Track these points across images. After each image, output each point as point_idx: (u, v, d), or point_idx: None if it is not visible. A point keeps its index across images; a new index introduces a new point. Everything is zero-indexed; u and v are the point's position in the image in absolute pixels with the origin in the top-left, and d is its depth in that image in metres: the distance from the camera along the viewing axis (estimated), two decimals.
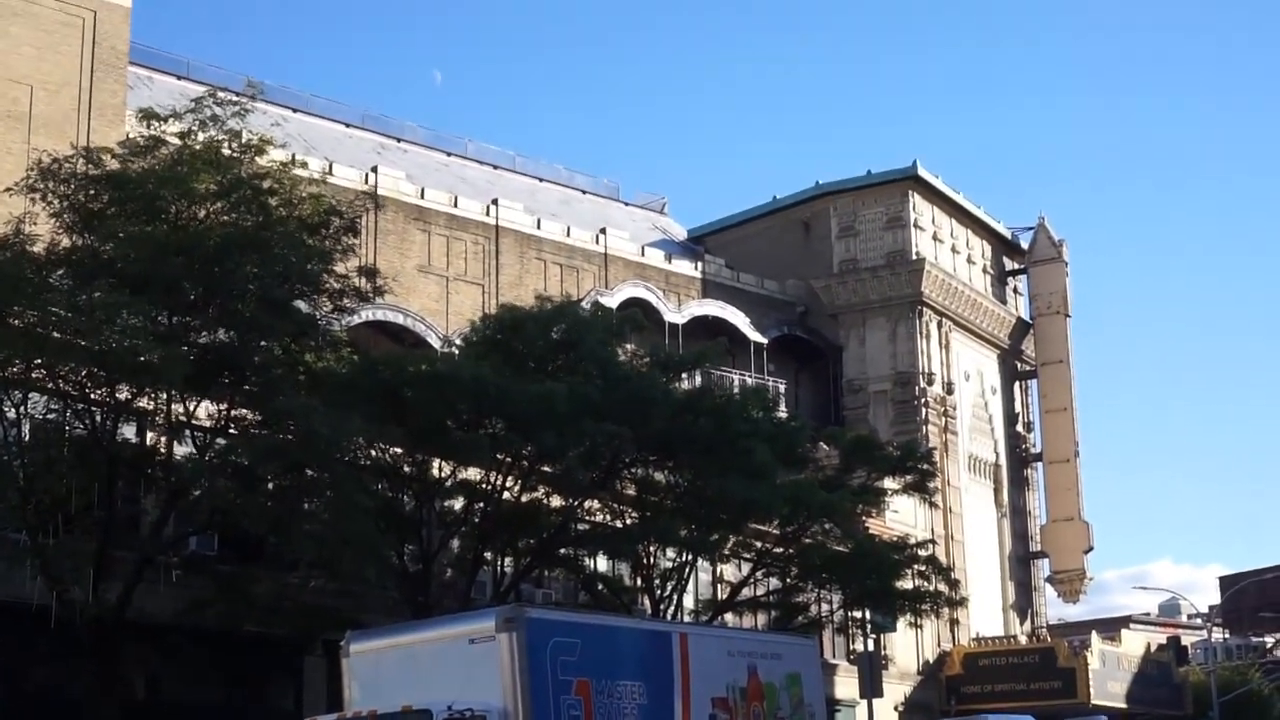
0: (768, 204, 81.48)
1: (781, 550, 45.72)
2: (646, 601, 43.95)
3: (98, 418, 31.56)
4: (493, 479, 37.66)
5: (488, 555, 39.58)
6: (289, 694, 39.78)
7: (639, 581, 44.83)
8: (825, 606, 49.24)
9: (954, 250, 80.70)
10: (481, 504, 38.07)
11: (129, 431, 33.69)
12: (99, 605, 30.81)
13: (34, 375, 30.30)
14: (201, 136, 33.32)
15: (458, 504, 38.90)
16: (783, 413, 46.98)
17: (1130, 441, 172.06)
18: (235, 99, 34.18)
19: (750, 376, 65.90)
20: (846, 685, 54.38)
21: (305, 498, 32.22)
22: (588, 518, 41.73)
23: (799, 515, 43.48)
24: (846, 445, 48.70)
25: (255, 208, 32.22)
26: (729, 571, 49.21)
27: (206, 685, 38.66)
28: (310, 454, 29.66)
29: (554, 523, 39.50)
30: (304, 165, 36.79)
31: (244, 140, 33.75)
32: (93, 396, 31.23)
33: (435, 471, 37.84)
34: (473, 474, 38.11)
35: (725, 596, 47.43)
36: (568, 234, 69.19)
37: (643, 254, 72.68)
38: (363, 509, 31.98)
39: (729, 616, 47.00)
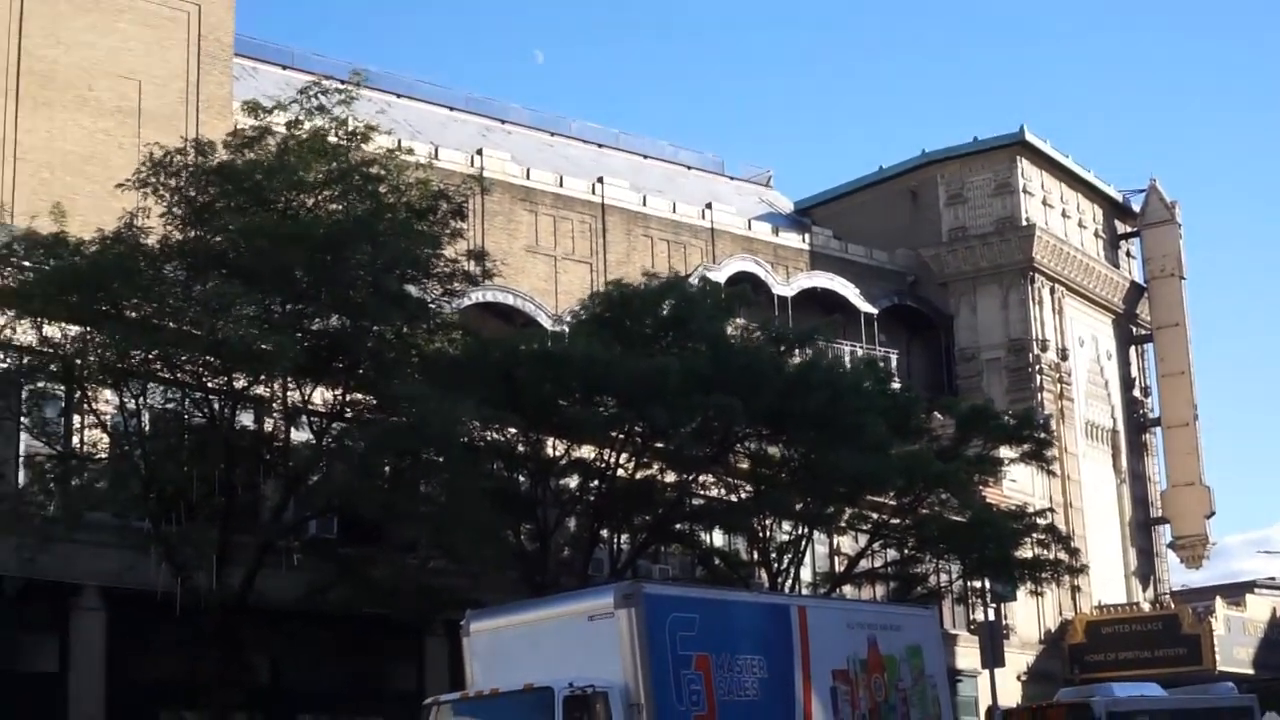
0: (874, 174, 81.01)
1: (898, 521, 45.50)
2: (763, 575, 43.90)
3: (216, 406, 31.94)
4: (606, 456, 37.74)
5: (604, 533, 39.68)
6: (411, 675, 40.11)
7: (755, 555, 44.78)
8: (944, 577, 48.93)
9: (1064, 215, 79.80)
10: (596, 482, 38.18)
11: (247, 419, 34.07)
12: (222, 591, 31.23)
13: (152, 366, 30.70)
14: (308, 125, 33.56)
15: (573, 482, 39.04)
16: (896, 384, 46.63)
17: (1250, 404, 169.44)
18: (340, 87, 34.39)
19: (861, 348, 65.59)
20: (968, 655, 54.05)
21: (421, 481, 32.43)
22: (702, 493, 41.71)
23: (915, 486, 43.26)
24: (962, 415, 48.37)
25: (364, 195, 32.42)
26: (846, 544, 49.04)
27: (329, 668, 39.06)
28: (424, 439, 29.82)
29: (669, 499, 39.52)
30: (410, 151, 36.94)
31: (350, 128, 33.94)
32: (210, 385, 31.61)
33: (549, 450, 37.97)
34: (586, 452, 38.23)
35: (843, 569, 47.27)
36: (674, 210, 69.16)
37: (749, 228, 72.48)
38: (478, 491, 32.14)
39: (847, 589, 46.82)
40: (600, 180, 67.27)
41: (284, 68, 62.96)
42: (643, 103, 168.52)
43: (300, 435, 33.60)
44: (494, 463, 36.99)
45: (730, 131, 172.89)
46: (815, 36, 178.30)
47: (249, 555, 31.98)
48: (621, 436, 37.12)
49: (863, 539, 46.87)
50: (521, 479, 38.63)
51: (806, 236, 75.23)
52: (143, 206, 32.34)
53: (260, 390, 32.13)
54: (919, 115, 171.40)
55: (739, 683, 28.08)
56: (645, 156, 77.86)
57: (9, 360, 31.40)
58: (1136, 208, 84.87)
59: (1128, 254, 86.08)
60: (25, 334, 30.85)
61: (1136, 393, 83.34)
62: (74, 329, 30.76)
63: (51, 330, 30.82)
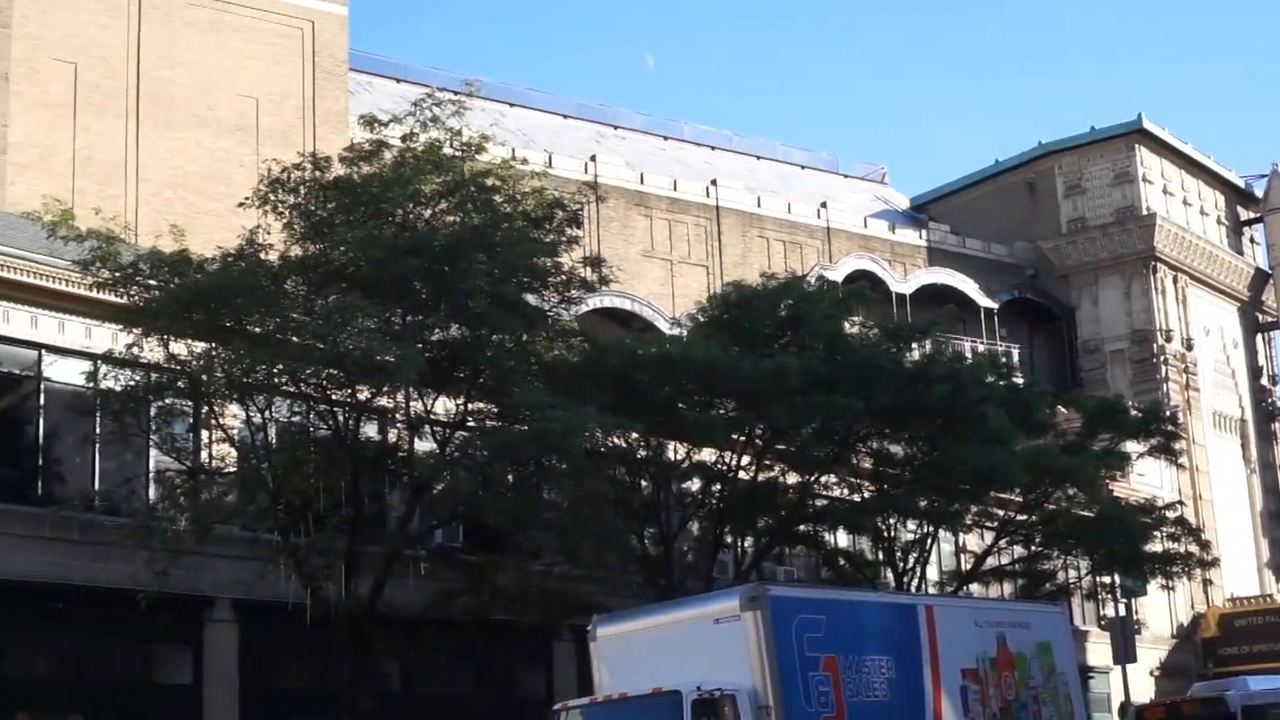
0: (990, 167, 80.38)
1: (1025, 518, 45.03)
2: (889, 575, 43.64)
3: (340, 418, 32.28)
4: (727, 459, 37.70)
5: (727, 536, 39.63)
6: (539, 680, 40.31)
7: (880, 555, 44.53)
8: (1072, 573, 48.38)
9: (1185, 203, 78.68)
10: (718, 485, 38.14)
11: (371, 430, 34.41)
12: (351, 601, 31.56)
13: (277, 380, 31.09)
14: (423, 138, 33.82)
15: (694, 486, 39.04)
16: (1019, 378, 46.16)
17: None
18: (453, 99, 34.63)
19: (982, 343, 65.10)
20: (1099, 652, 53.42)
21: (544, 488, 32.57)
22: (825, 493, 41.54)
23: (1041, 482, 42.77)
24: (1090, 409, 47.81)
25: (480, 205, 32.62)
26: (972, 541, 48.63)
27: (458, 675, 39.37)
28: (546, 447, 29.96)
29: (791, 500, 39.39)
30: (524, 161, 37.17)
31: (464, 139, 34.18)
32: (334, 397, 31.94)
33: (670, 454, 38.00)
34: (707, 455, 38.20)
35: (969, 567, 46.87)
36: (789, 210, 69.03)
37: (865, 225, 72.17)
38: (601, 496, 32.21)
39: (974, 587, 46.43)
40: (714, 183, 67.26)
41: (398, 81, 63.60)
42: (755, 103, 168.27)
43: (424, 445, 33.86)
44: (616, 468, 37.07)
45: (844, 129, 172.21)
46: (927, 31, 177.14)
47: (377, 564, 32.28)
48: (742, 439, 37.06)
49: (989, 536, 46.43)
50: (643, 483, 38.68)
51: (923, 232, 74.77)
52: (263, 223, 32.78)
53: (383, 401, 32.43)
54: (1035, 107, 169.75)
55: (867, 683, 27.94)
56: (759, 157, 77.75)
57: (137, 378, 31.95)
58: (1259, 193, 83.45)
59: (1251, 240, 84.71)
60: (152, 351, 31.39)
61: (1264, 381, 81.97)
62: (200, 346, 31.26)
63: (178, 347, 31.32)
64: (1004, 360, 47.88)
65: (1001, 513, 45.00)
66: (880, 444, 40.02)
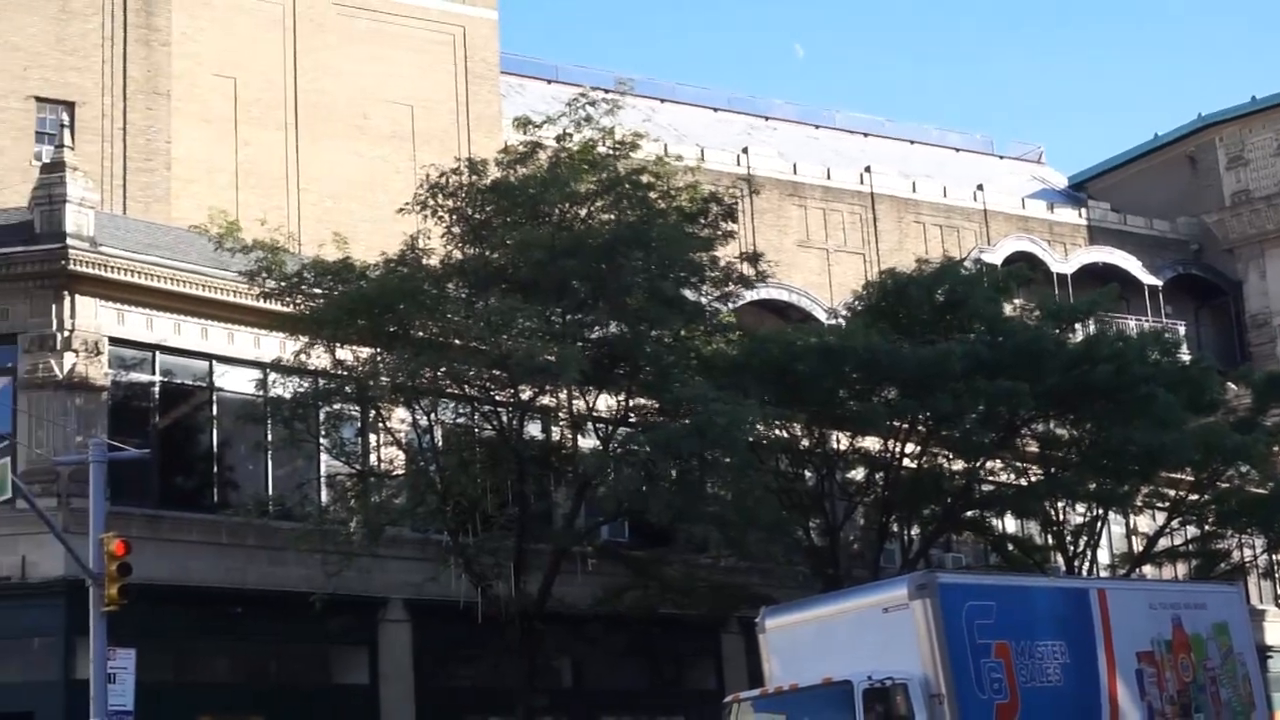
0: (1149, 142, 78.98)
1: (1196, 497, 44.28)
2: (1059, 559, 43.14)
3: (504, 418, 32.65)
4: (891, 447, 37.51)
5: (893, 524, 39.44)
6: (709, 673, 40.42)
7: (1049, 539, 44.05)
8: (1248, 551, 47.48)
9: None
10: (882, 473, 37.98)
11: (534, 429, 34.74)
12: (521, 598, 31.92)
13: (441, 383, 31.53)
14: (577, 138, 34.07)
15: (859, 475, 38.90)
16: (1185, 355, 45.36)
17: None
18: (605, 98, 34.83)
19: (1146, 321, 64.02)
20: (1278, 630, 52.35)
21: (708, 481, 32.65)
22: (990, 478, 41.17)
23: (1211, 460, 42.00)
24: (1259, 384, 46.85)
25: (635, 202, 32.80)
26: (1143, 523, 47.89)
27: (629, 669, 39.59)
28: (709, 440, 30.04)
29: (957, 486, 39.10)
30: (678, 157, 37.26)
31: (618, 137, 34.38)
32: (497, 398, 32.33)
33: (834, 444, 37.90)
34: (871, 443, 38.04)
35: (1141, 549, 46.18)
36: (944, 194, 68.46)
37: (1023, 206, 71.33)
38: (765, 489, 32.23)
39: (1147, 569, 45.74)
40: (868, 169, 66.91)
41: (549, 82, 64.04)
42: (908, 88, 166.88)
43: (587, 442, 34.12)
44: (779, 459, 37.05)
45: (999, 111, 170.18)
46: (1080, 7, 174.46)
47: (545, 562, 32.61)
48: (906, 426, 36.85)
49: (1160, 517, 45.71)
50: (807, 474, 38.63)
51: (1083, 211, 73.74)
52: (423, 228, 33.25)
53: (546, 400, 32.73)
54: (1192, 79, 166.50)
55: (1040, 669, 27.70)
56: (912, 142, 77.17)
57: (306, 384, 32.59)
58: None
59: None
60: (319, 358, 32.00)
61: None
62: (365, 351, 31.79)
63: (344, 354, 31.90)
64: (1169, 338, 47.09)
65: (1172, 493, 44.30)
66: (1046, 427, 39.58)
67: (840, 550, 38.06)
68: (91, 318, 32.96)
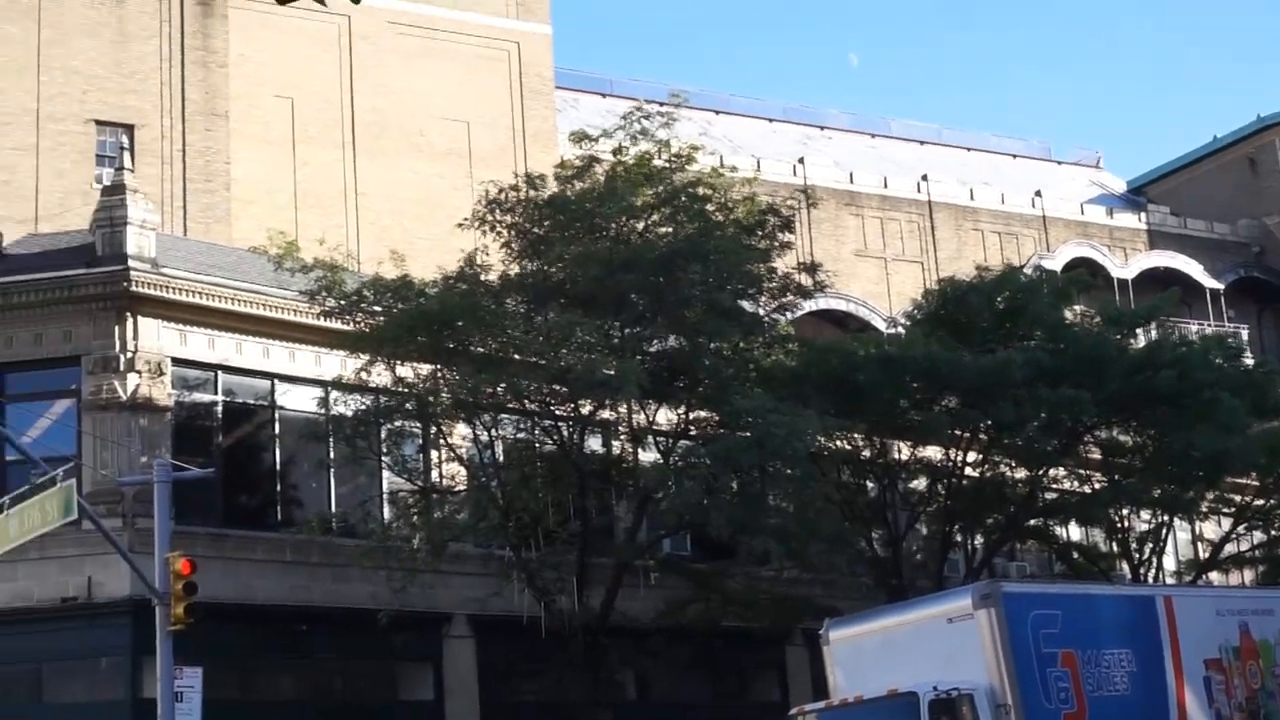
0: (1208, 145, 78.39)
1: (1262, 502, 43.86)
2: (1125, 566, 42.82)
3: (564, 432, 32.69)
4: (953, 456, 37.35)
5: (956, 534, 39.25)
6: (773, 685, 40.33)
7: (1114, 547, 43.72)
8: None
9: None
10: (944, 482, 37.81)
11: (595, 443, 34.76)
12: (584, 612, 31.94)
13: (501, 398, 31.60)
14: (633, 151, 34.12)
15: (920, 484, 38.74)
16: (1248, 359, 44.95)
17: None
18: (660, 111, 34.88)
19: (1209, 325, 63.50)
20: None
21: (769, 493, 32.60)
22: (1054, 486, 40.91)
23: (1277, 465, 41.61)
24: None
25: (692, 215, 32.82)
26: (1208, 529, 47.46)
27: (693, 682, 39.53)
28: (769, 453, 30.00)
29: (1020, 494, 38.88)
30: (734, 169, 37.23)
31: (674, 150, 34.40)
32: (558, 413, 32.38)
33: (895, 454, 37.77)
34: (932, 453, 37.89)
35: (1207, 555, 45.77)
36: (1002, 201, 68.16)
37: (1082, 212, 70.92)
38: (826, 500, 32.15)
39: (1213, 575, 45.33)
40: (925, 178, 66.71)
41: (604, 96, 64.13)
42: (964, 95, 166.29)
43: (647, 456, 34.13)
44: (840, 470, 36.95)
45: (1056, 116, 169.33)
46: (1135, 12, 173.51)
47: (607, 576, 32.62)
48: (967, 435, 36.68)
49: (1225, 523, 45.30)
50: (869, 484, 38.50)
51: (1142, 215, 73.25)
52: (481, 244, 33.35)
53: (606, 414, 32.75)
54: (1251, 80, 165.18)
55: (1107, 678, 27.48)
56: (969, 149, 76.86)
57: (367, 402, 32.73)
58: None
59: None
60: (380, 376, 32.14)
61: None
62: (425, 368, 31.91)
63: (405, 371, 32.02)
64: (1232, 342, 46.70)
65: (1238, 498, 43.89)
66: (1109, 434, 39.33)
67: (903, 561, 37.91)
68: (154, 339, 33.24)
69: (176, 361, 33.52)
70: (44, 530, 26.66)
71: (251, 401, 34.81)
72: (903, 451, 37.85)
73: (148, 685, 29.33)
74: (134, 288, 32.87)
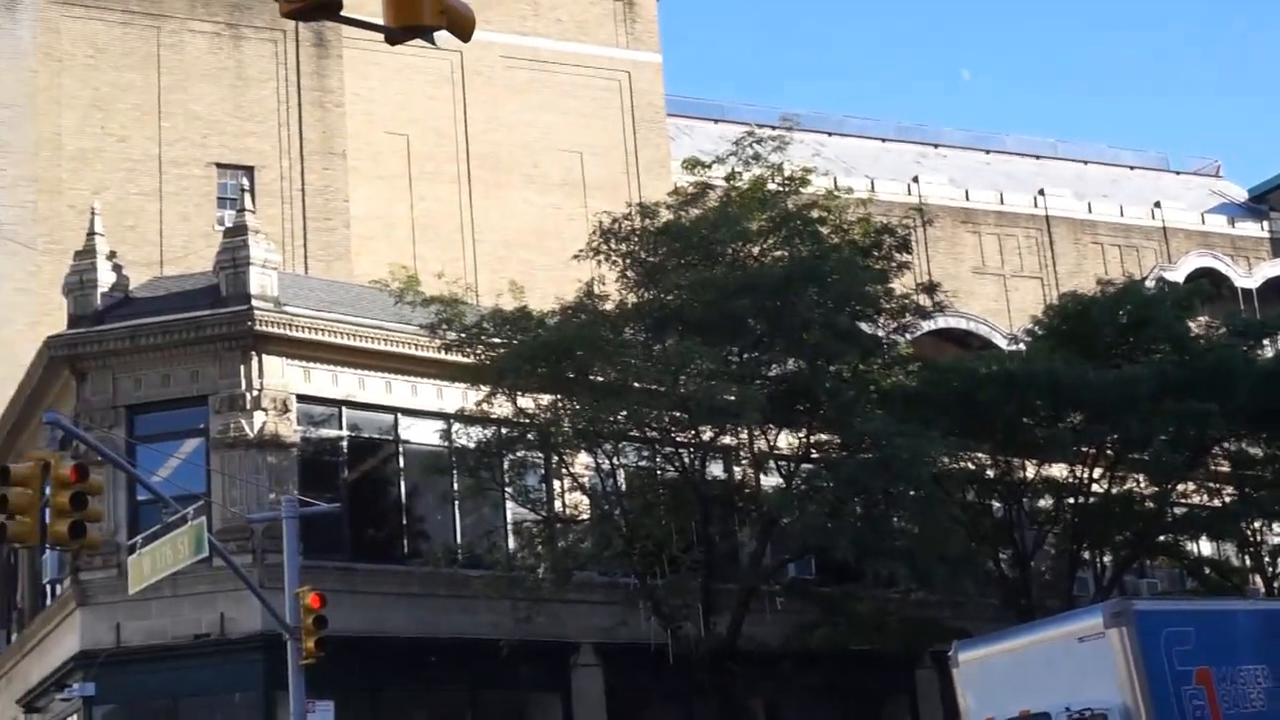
0: None
1: None
2: (1258, 581, 42.09)
3: (686, 459, 32.69)
4: (1079, 473, 36.91)
5: (1085, 552, 38.77)
6: (904, 708, 40.04)
7: (1247, 561, 42.99)
8: None
9: None
10: (1071, 500, 37.38)
11: (716, 469, 34.74)
12: (711, 639, 31.88)
13: (622, 427, 31.68)
14: (746, 176, 34.13)
15: (1047, 503, 38.32)
16: None
17: None
18: (772, 134, 34.86)
19: None
20: None
21: (894, 514, 32.40)
22: (1183, 501, 40.31)
23: None
24: None
25: (807, 238, 32.76)
26: None
27: (822, 708, 39.27)
28: (893, 475, 29.85)
29: (1149, 510, 38.34)
30: (848, 189, 37.15)
31: (787, 173, 34.37)
32: (679, 440, 32.40)
33: (1020, 473, 37.41)
34: (1058, 470, 37.47)
35: None
36: (1121, 213, 67.49)
37: (1203, 222, 70.02)
38: (952, 521, 31.90)
39: None
40: (1041, 192, 66.18)
41: (716, 122, 64.27)
42: (1079, 107, 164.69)
43: (770, 481, 34.04)
44: (964, 491, 36.64)
45: (1173, 126, 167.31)
46: (1249, 17, 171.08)
47: (733, 601, 32.55)
48: (1093, 451, 36.25)
49: None
50: (994, 504, 38.14)
51: (1265, 224, 72.14)
52: (597, 274, 33.50)
53: (727, 440, 32.73)
54: None
55: (1243, 695, 26.97)
56: (1086, 162, 76.14)
57: (489, 433, 32.94)
58: None
59: None
60: (502, 407, 32.33)
61: None
62: (546, 398, 32.06)
63: (526, 402, 32.19)
64: None
65: None
66: (1238, 446, 38.70)
67: (1031, 580, 37.49)
68: (278, 376, 33.67)
69: (301, 398, 33.92)
70: (176, 568, 27.02)
71: (376, 436, 35.15)
72: (1028, 470, 37.46)
73: (281, 719, 29.64)
74: (258, 327, 33.32)
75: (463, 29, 11.79)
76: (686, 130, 62.46)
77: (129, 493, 32.98)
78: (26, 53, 47.22)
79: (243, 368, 33.40)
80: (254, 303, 33.47)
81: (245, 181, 43.83)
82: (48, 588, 36.14)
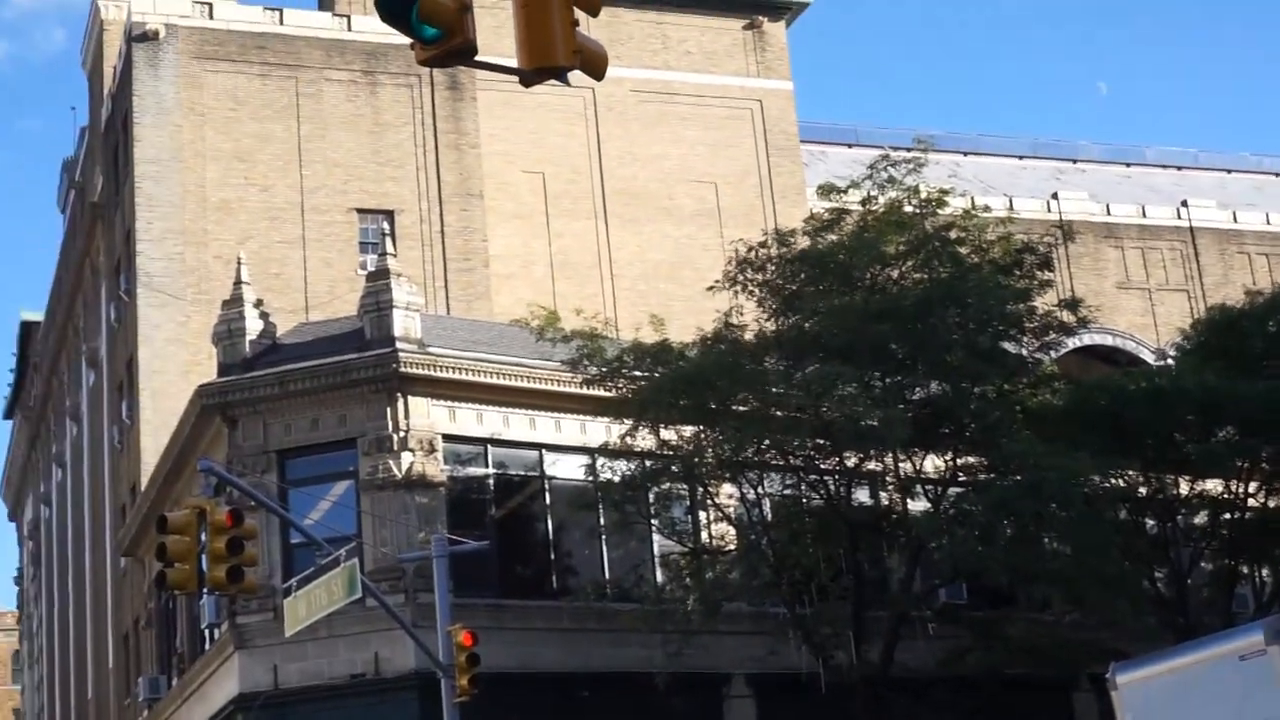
0: None
1: None
2: None
3: (831, 486, 32.55)
4: (1234, 488, 36.21)
5: (1243, 568, 37.99)
6: None
7: None
8: None
9: None
10: (1227, 515, 36.66)
11: (862, 495, 34.54)
12: (863, 666, 31.68)
13: (766, 455, 31.62)
14: (881, 200, 33.99)
15: (1202, 519, 37.61)
16: None
17: None
18: (907, 157, 34.67)
19: None
20: None
21: (1045, 536, 31.99)
22: None
23: None
24: None
25: (945, 259, 32.54)
26: None
27: None
28: (1043, 497, 29.48)
29: None
30: (985, 208, 36.87)
31: (922, 195, 34.17)
32: (823, 466, 32.27)
33: (1173, 490, 36.77)
34: (1213, 486, 36.77)
35: None
36: (1268, 221, 66.19)
37: None
38: (1105, 541, 31.43)
39: None
40: (1184, 203, 65.13)
41: (850, 146, 64.04)
42: (1221, 114, 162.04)
43: (917, 505, 33.77)
44: (1117, 509, 36.07)
45: None
46: None
47: (884, 628, 32.33)
48: (1249, 466, 35.54)
49: None
50: (1148, 522, 37.50)
51: None
52: (735, 304, 33.50)
53: (872, 465, 32.54)
54: None
55: None
56: (1229, 171, 74.84)
57: (633, 467, 33.01)
58: None
59: None
60: (645, 440, 32.39)
61: None
62: (688, 430, 32.08)
63: (668, 434, 32.23)
64: None
65: None
66: None
67: (1189, 598, 36.80)
68: (424, 417, 34.03)
69: (447, 438, 34.26)
70: (331, 610, 27.35)
71: (521, 472, 35.40)
72: (1181, 486, 36.81)
73: None
74: (403, 369, 33.72)
75: (596, 68, 11.81)
76: (820, 156, 62.30)
77: (282, 536, 33.49)
78: (171, 109, 48.25)
79: (389, 409, 33.79)
80: (398, 345, 33.87)
81: (386, 225, 44.46)
82: (206, 632, 36.76)
